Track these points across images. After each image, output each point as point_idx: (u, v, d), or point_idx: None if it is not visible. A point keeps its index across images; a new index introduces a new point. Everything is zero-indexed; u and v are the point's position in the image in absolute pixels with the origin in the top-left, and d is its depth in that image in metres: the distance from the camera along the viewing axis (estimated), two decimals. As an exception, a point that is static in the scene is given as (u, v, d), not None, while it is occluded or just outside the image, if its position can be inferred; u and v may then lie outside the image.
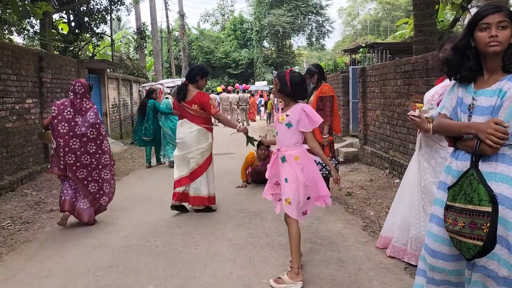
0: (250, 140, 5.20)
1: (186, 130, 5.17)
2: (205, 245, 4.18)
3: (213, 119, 5.39)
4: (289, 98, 3.41)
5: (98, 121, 4.88)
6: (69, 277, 3.51)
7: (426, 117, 3.08)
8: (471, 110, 2.16)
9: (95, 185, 4.89)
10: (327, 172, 5.32)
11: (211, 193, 5.32)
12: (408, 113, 3.24)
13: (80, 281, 3.43)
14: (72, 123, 4.76)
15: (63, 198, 4.83)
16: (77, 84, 4.89)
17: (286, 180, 3.30)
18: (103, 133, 4.95)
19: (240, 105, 21.36)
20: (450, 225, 2.09)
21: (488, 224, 1.93)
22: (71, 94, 4.88)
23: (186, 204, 5.34)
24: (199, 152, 5.14)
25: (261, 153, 6.66)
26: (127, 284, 3.36)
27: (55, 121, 4.75)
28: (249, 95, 22.76)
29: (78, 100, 4.82)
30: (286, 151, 3.35)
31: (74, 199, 4.86)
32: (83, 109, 4.82)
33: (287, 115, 3.35)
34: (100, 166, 4.92)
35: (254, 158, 6.78)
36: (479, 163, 2.08)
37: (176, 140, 5.44)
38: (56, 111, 4.77)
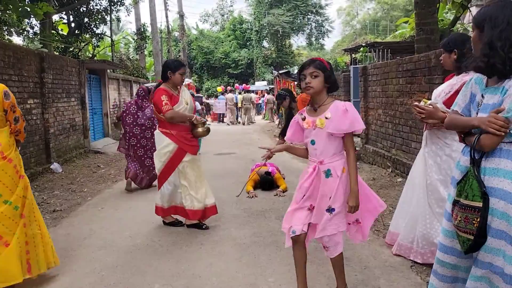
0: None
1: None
2: (209, 245, 4.17)
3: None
4: (324, 93, 2.79)
5: (153, 115, 6.22)
6: (75, 276, 3.50)
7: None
8: (478, 107, 2.18)
9: (149, 161, 6.42)
10: None
11: (193, 206, 4.53)
12: (415, 103, 3.24)
13: (86, 280, 3.42)
14: (135, 116, 6.55)
15: (129, 170, 6.58)
16: (140, 89, 6.74)
17: (329, 209, 2.74)
18: (156, 124, 5.56)
19: (244, 105, 21.54)
20: (455, 220, 2.13)
21: (478, 219, 1.98)
22: (136, 96, 6.74)
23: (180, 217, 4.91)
24: (157, 157, 4.57)
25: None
26: (133, 284, 3.35)
27: (124, 114, 6.63)
28: (252, 95, 22.99)
29: (140, 100, 6.58)
30: (330, 163, 2.75)
31: (136, 170, 6.59)
32: (143, 106, 6.53)
33: (326, 118, 2.72)
34: (153, 148, 5.59)
35: (258, 180, 6.49)
36: (483, 159, 2.09)
37: None
38: (125, 108, 6.70)
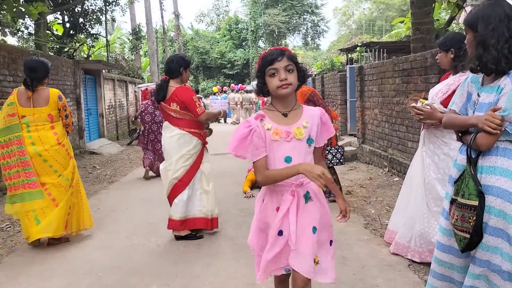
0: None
1: (166, 134, 4.29)
2: (207, 245, 4.16)
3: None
4: (294, 94, 2.20)
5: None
6: (72, 277, 3.48)
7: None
8: (475, 106, 2.19)
9: None
10: (337, 161, 5.39)
11: (209, 213, 4.33)
12: (412, 104, 3.25)
13: (83, 281, 3.41)
14: (153, 115, 7.52)
15: (146, 160, 7.62)
16: (152, 91, 7.33)
17: (314, 229, 2.16)
18: None
19: (244, 105, 21.70)
20: (452, 219, 2.14)
21: (474, 218, 2.00)
22: (152, 97, 7.47)
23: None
24: (177, 163, 4.19)
25: None
26: (131, 284, 3.34)
27: (143, 114, 7.68)
28: (252, 95, 23.07)
29: (155, 100, 6.99)
30: (308, 183, 2.17)
31: (152, 160, 7.58)
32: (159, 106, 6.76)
33: (304, 126, 2.16)
34: None
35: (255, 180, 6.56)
36: (480, 158, 2.11)
37: None
38: (143, 108, 7.78)
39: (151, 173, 7.62)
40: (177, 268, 3.62)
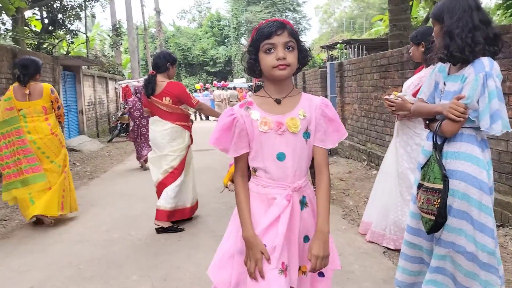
0: None
1: (158, 128, 4.42)
2: (188, 237, 4.20)
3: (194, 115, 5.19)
4: (291, 78, 1.86)
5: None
6: (51, 270, 3.48)
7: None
8: (441, 95, 2.28)
9: None
10: None
11: (187, 204, 4.56)
12: (385, 97, 3.34)
13: (63, 274, 3.41)
14: (141, 110, 7.69)
15: (141, 156, 8.07)
16: (137, 88, 8.00)
17: (306, 238, 1.85)
18: None
19: (231, 101, 21.94)
20: (418, 202, 2.24)
21: (439, 200, 2.09)
22: (139, 94, 7.99)
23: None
24: (173, 153, 4.37)
25: None
26: (111, 276, 3.36)
27: (132, 110, 8.23)
28: (237, 92, 23.42)
29: (141, 97, 6.96)
30: (304, 187, 1.83)
31: (144, 152, 7.94)
32: None
33: (301, 117, 1.76)
34: None
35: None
36: (445, 144, 2.20)
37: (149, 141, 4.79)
38: (131, 105, 8.33)
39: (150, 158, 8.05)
40: (158, 259, 3.65)
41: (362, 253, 3.61)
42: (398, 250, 3.49)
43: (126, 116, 8.85)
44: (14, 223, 4.91)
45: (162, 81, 4.39)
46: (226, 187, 6.43)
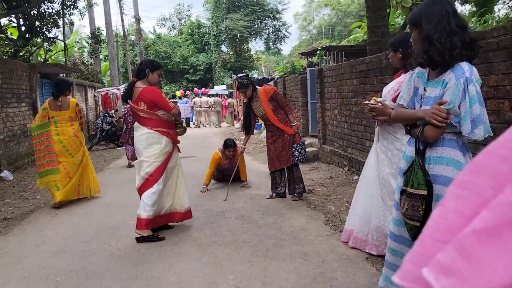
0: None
1: (136, 134, 4.46)
2: (169, 246, 4.13)
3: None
4: None
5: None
6: (27, 284, 3.37)
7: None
8: (422, 100, 2.29)
9: None
10: (303, 157, 5.60)
11: (178, 208, 4.58)
12: (365, 102, 3.35)
13: (39, 287, 3.30)
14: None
15: (129, 153, 8.96)
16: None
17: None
18: None
19: (215, 108, 22.15)
20: (402, 208, 2.23)
21: (423, 206, 2.09)
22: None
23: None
24: (148, 159, 4.31)
25: (228, 154, 6.78)
26: (89, 288, 3.27)
27: (125, 116, 8.70)
28: (221, 99, 23.71)
29: None
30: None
31: (133, 153, 7.83)
32: None
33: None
34: None
35: (221, 158, 6.79)
36: (427, 149, 2.21)
37: None
38: (125, 111, 8.77)
39: (133, 163, 8.46)
40: (138, 270, 3.58)
41: (345, 259, 3.60)
42: (381, 256, 3.51)
43: (122, 120, 10.05)
44: (-11, 235, 4.76)
45: (139, 87, 4.39)
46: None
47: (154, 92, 4.35)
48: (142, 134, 4.35)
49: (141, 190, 4.36)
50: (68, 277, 3.47)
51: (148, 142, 4.33)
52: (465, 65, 2.11)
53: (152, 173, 4.31)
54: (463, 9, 17.86)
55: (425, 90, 2.28)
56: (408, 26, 2.46)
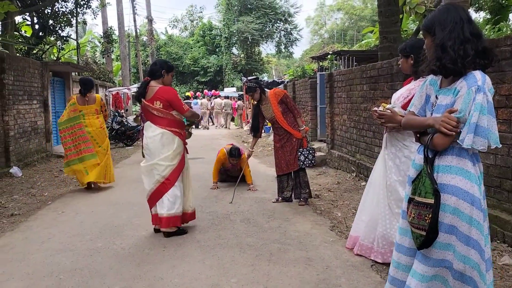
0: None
1: (149, 134, 4.42)
2: (173, 247, 4.12)
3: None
4: None
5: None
6: (30, 280, 3.38)
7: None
8: (433, 108, 2.26)
9: None
10: (309, 162, 5.54)
11: (187, 208, 4.60)
12: (374, 109, 3.31)
13: (42, 284, 3.31)
14: None
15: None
16: None
17: None
18: None
19: (225, 110, 22.41)
20: (409, 217, 2.20)
21: (430, 215, 2.05)
22: None
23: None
24: (163, 162, 4.34)
25: (232, 161, 6.82)
26: (92, 286, 3.27)
27: (142, 114, 8.35)
28: (231, 101, 23.88)
29: None
30: None
31: None
32: None
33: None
34: None
35: (226, 159, 6.80)
36: (436, 157, 2.17)
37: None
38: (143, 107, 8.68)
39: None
40: (141, 270, 3.57)
41: (350, 266, 3.56)
42: (387, 264, 3.46)
43: (139, 118, 10.65)
44: (-5, 231, 4.80)
45: (154, 86, 4.43)
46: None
47: (170, 92, 4.42)
48: (156, 134, 4.36)
49: (159, 192, 4.37)
50: (72, 275, 3.48)
51: (163, 142, 4.35)
52: (477, 74, 2.07)
53: (169, 176, 4.35)
54: (477, 16, 17.72)
55: (436, 98, 2.25)
56: (421, 32, 2.43)
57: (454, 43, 2.10)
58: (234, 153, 6.72)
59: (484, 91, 2.01)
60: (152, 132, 4.39)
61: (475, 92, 2.01)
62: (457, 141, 2.05)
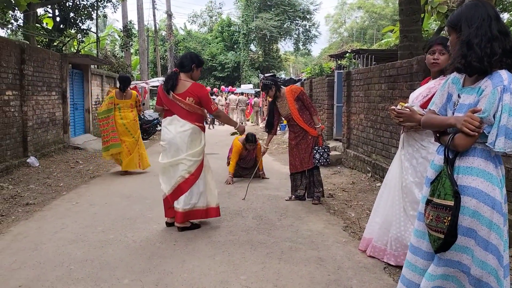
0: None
1: (177, 129, 4.33)
2: (183, 242, 4.11)
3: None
4: None
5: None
6: (42, 269, 3.41)
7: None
8: (455, 107, 2.18)
9: None
10: (324, 160, 5.50)
11: (211, 204, 4.52)
12: (392, 107, 3.23)
13: (53, 274, 3.33)
14: None
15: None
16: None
17: None
18: None
19: (240, 106, 22.39)
20: (426, 219, 2.12)
21: (449, 218, 1.98)
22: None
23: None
24: (192, 158, 4.32)
25: (249, 147, 7.17)
26: (102, 278, 3.27)
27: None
28: (247, 98, 23.92)
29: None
30: None
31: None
32: None
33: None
34: None
35: (242, 148, 7.14)
36: (457, 158, 2.10)
37: (161, 143, 4.59)
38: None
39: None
40: (151, 263, 3.57)
41: (362, 268, 3.49)
42: (399, 267, 3.39)
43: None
44: (11, 219, 4.85)
45: (186, 81, 4.38)
46: (230, 175, 6.95)
47: (203, 91, 4.43)
48: (186, 129, 4.31)
49: (180, 189, 4.34)
50: (82, 266, 3.49)
51: (192, 138, 4.34)
52: (504, 73, 1.99)
53: (194, 172, 4.35)
54: (502, 18, 17.31)
55: (459, 96, 2.17)
56: (446, 28, 2.34)
57: (481, 41, 2.02)
58: (251, 138, 7.06)
59: (510, 91, 1.93)
60: (181, 127, 4.33)
61: (500, 92, 1.93)
62: (487, 144, 1.97)
